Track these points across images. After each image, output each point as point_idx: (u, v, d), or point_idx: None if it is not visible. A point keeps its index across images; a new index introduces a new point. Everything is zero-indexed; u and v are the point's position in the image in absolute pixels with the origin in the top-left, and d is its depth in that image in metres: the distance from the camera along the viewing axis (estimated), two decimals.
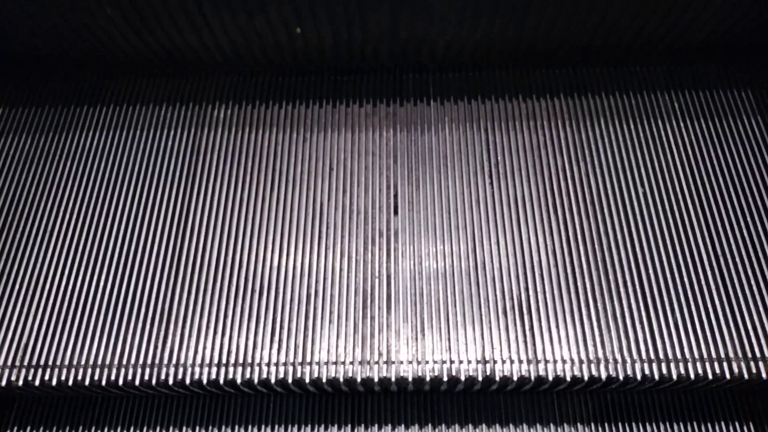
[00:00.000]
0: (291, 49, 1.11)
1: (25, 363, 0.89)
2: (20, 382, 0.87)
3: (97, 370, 0.88)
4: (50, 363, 0.89)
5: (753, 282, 0.92)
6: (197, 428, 1.02)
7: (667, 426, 1.00)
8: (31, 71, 1.21)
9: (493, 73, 1.19)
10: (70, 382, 0.87)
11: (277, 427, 1.02)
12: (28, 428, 1.04)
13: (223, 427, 1.02)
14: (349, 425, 1.02)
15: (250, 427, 1.02)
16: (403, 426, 1.01)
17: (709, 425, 1.00)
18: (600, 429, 1.00)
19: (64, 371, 0.88)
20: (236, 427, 1.02)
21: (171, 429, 1.02)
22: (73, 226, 1.02)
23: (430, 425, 1.02)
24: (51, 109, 1.17)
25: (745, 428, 1.00)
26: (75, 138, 1.13)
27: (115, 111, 1.16)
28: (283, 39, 1.07)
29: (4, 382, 0.87)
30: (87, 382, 0.87)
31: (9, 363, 0.89)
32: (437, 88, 1.17)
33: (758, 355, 0.85)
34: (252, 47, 1.10)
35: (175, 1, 0.97)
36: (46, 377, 0.88)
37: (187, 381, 0.87)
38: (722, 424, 1.00)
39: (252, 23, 1.02)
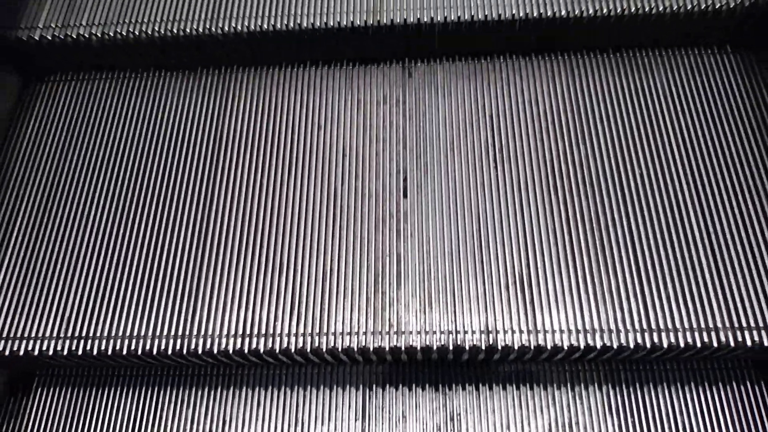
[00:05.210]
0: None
1: (68, 334, 0.98)
2: (65, 352, 0.97)
3: (134, 341, 0.97)
4: (91, 334, 0.98)
5: (742, 256, 0.97)
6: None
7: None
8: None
9: (498, 60, 1.23)
10: (110, 352, 0.96)
11: None
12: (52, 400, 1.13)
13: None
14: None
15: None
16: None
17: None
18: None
19: (104, 342, 0.97)
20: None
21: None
22: (114, 210, 1.10)
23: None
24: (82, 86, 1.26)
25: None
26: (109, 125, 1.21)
27: (138, 100, 1.24)
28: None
29: (51, 351, 0.96)
30: (124, 352, 0.96)
31: (54, 334, 0.98)
32: (445, 76, 1.22)
33: (744, 324, 0.91)
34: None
35: None
36: (88, 347, 0.97)
37: (215, 350, 0.95)
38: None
39: None
